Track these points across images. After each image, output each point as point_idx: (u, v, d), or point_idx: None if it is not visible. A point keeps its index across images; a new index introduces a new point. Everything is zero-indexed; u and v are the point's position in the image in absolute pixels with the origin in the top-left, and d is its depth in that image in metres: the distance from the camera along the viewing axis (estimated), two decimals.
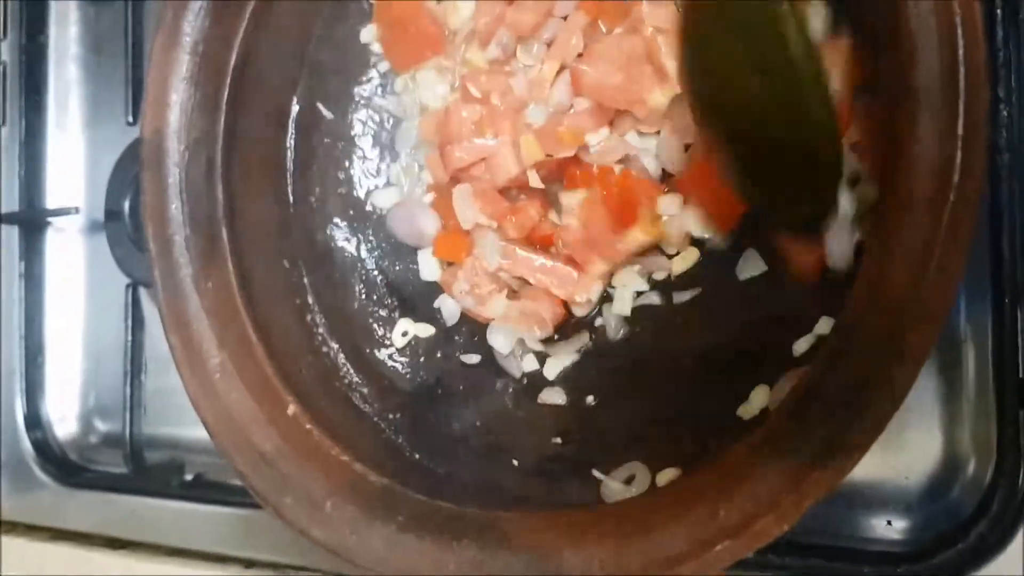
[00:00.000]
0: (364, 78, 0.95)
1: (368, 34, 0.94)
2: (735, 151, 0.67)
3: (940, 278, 0.56)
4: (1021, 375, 0.74)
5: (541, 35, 0.86)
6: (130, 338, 1.13)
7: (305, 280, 0.90)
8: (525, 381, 0.88)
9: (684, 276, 0.84)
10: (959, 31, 0.56)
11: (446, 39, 0.91)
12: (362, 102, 0.95)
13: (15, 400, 1.21)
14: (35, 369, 1.22)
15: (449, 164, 0.87)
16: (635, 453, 0.76)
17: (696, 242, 0.83)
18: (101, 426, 1.23)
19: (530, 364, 0.87)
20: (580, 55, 0.85)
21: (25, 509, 1.19)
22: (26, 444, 1.20)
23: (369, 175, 0.95)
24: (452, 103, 0.88)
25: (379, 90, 0.95)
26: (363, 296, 0.93)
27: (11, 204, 1.22)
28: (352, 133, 0.95)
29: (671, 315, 0.83)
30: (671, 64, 0.79)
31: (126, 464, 1.12)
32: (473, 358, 0.90)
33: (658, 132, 0.83)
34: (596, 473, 0.76)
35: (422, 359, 0.91)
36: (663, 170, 0.84)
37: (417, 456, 0.82)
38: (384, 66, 0.95)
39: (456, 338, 0.91)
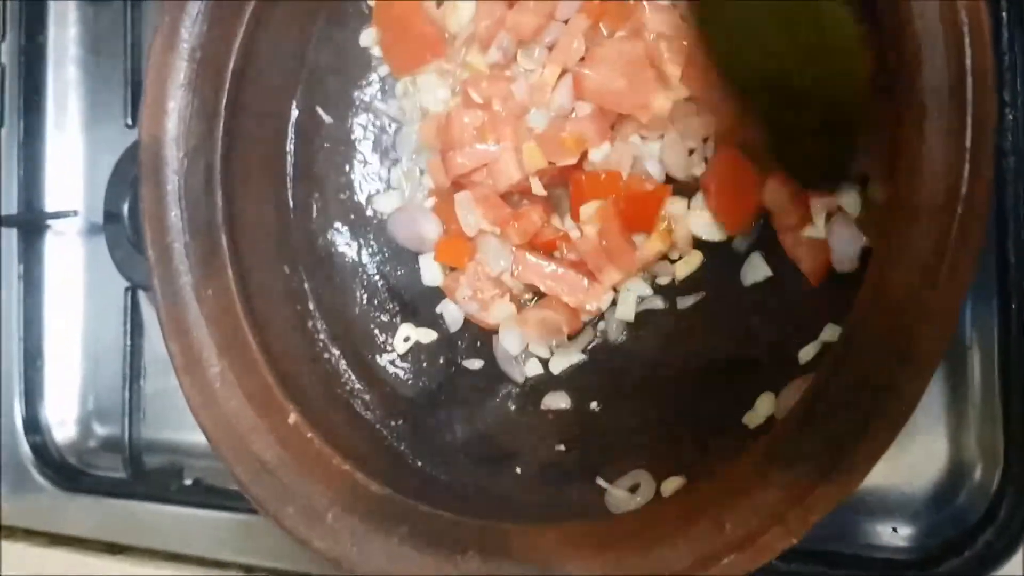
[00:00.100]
0: (364, 82, 0.95)
1: (368, 37, 0.93)
2: (757, 102, 0.70)
3: (948, 288, 0.55)
4: None
5: (542, 39, 0.85)
6: (129, 342, 1.13)
7: (306, 286, 0.90)
8: (528, 386, 0.87)
9: (688, 280, 0.83)
10: (966, 39, 0.55)
11: (446, 42, 0.91)
12: (362, 106, 0.95)
13: (14, 403, 1.21)
14: (34, 372, 1.22)
15: (451, 170, 0.86)
16: (640, 461, 0.76)
17: (700, 245, 0.82)
18: (100, 430, 1.23)
19: (533, 369, 0.87)
20: (582, 59, 0.84)
21: (24, 513, 1.19)
22: (25, 448, 1.20)
23: (370, 180, 0.95)
24: (453, 108, 0.88)
25: (379, 94, 0.95)
26: (364, 301, 0.92)
27: (10, 207, 1.21)
28: (352, 137, 0.94)
29: (675, 320, 0.83)
30: (673, 69, 0.79)
31: (125, 468, 1.12)
32: (476, 363, 0.89)
33: (661, 136, 0.82)
34: (600, 482, 0.75)
35: (424, 364, 0.91)
36: (667, 175, 0.83)
37: (419, 464, 0.82)
38: (384, 70, 0.94)
39: (458, 343, 0.91)
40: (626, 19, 0.82)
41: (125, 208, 1.12)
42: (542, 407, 0.85)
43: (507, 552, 0.68)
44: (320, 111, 0.93)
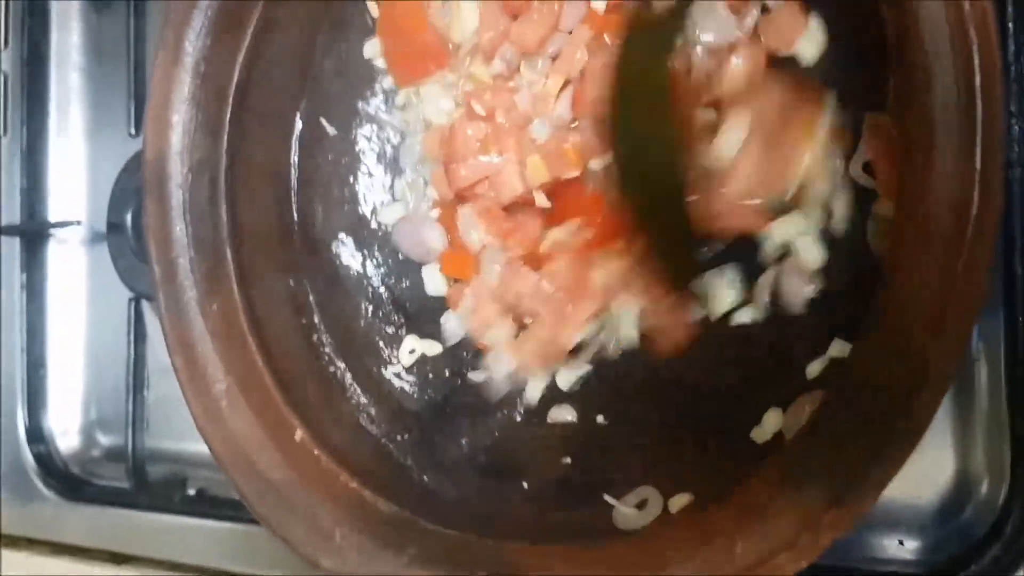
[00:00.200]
0: (368, 93, 0.94)
1: (371, 49, 0.93)
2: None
3: (959, 308, 0.55)
4: None
5: (546, 50, 0.85)
6: (132, 352, 1.12)
7: (310, 298, 0.90)
8: (535, 400, 0.87)
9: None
10: (976, 60, 0.55)
11: (450, 53, 0.90)
12: (366, 118, 0.94)
13: (17, 413, 1.20)
14: (37, 382, 1.21)
15: (454, 182, 0.86)
16: (647, 476, 0.75)
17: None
18: (103, 439, 1.23)
19: (536, 388, 0.87)
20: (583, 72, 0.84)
21: (27, 522, 1.18)
22: (28, 457, 1.20)
23: (374, 191, 0.94)
24: (456, 120, 0.88)
25: (383, 105, 0.94)
26: (369, 313, 0.92)
27: (12, 216, 1.21)
28: (357, 149, 0.94)
29: None
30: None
31: (128, 478, 1.11)
32: (480, 375, 0.88)
33: None
34: (608, 498, 0.75)
35: (429, 376, 0.90)
36: None
37: (425, 479, 0.82)
38: (388, 81, 0.94)
39: (464, 355, 0.90)
40: None
41: (128, 218, 1.11)
42: (548, 420, 0.85)
43: (515, 571, 0.68)
44: (324, 123, 0.93)
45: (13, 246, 1.21)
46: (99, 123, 1.23)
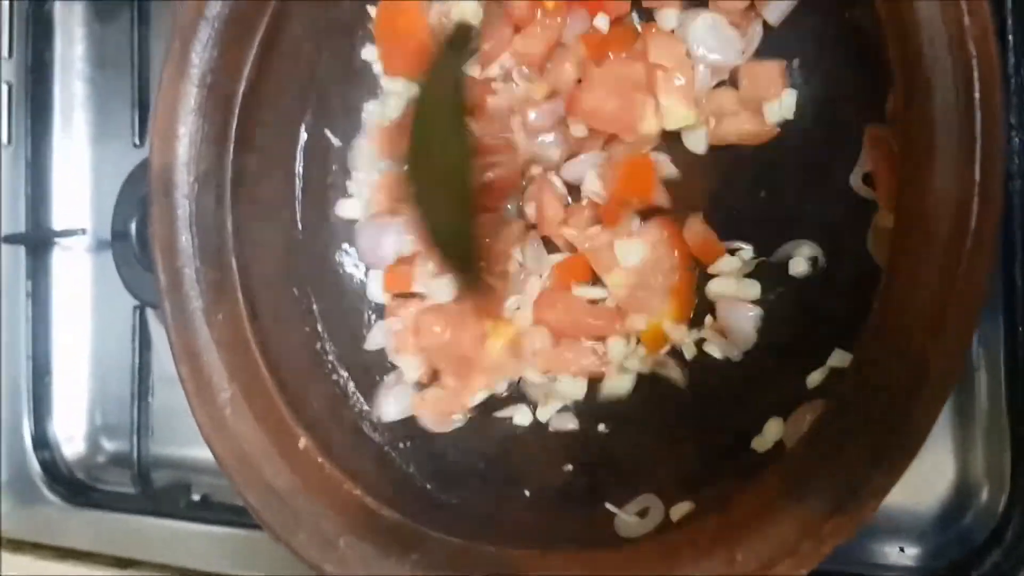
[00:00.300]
0: (371, 105, 0.94)
1: (370, 53, 0.93)
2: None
3: (959, 318, 0.56)
4: None
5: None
6: (137, 360, 1.13)
7: (314, 307, 0.90)
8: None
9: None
10: (975, 71, 0.56)
11: None
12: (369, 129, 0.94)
13: (23, 419, 1.21)
14: (42, 389, 1.22)
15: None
16: (648, 485, 0.76)
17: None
18: (108, 445, 1.23)
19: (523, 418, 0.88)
20: (579, 80, 0.84)
21: (32, 527, 1.19)
22: (33, 463, 1.20)
23: None
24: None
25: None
26: (372, 322, 0.93)
27: (17, 224, 1.21)
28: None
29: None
30: (667, 100, 0.80)
31: (133, 484, 1.11)
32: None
33: None
34: (609, 506, 0.75)
35: None
36: None
37: (428, 487, 0.82)
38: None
39: None
40: (630, 45, 0.82)
41: (133, 227, 1.11)
42: (550, 429, 0.85)
43: None
44: (328, 134, 0.93)
45: (18, 254, 1.22)
46: (103, 132, 1.24)
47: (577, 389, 0.84)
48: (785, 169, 0.78)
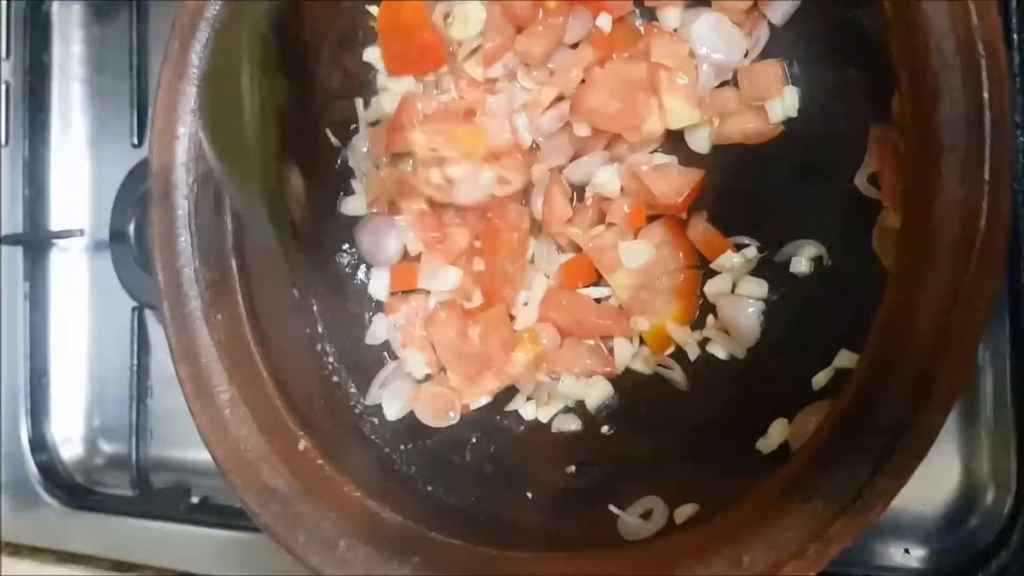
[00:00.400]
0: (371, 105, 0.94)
1: (372, 54, 0.93)
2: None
3: (967, 322, 0.55)
4: None
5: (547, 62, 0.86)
6: (136, 361, 1.12)
7: (314, 308, 0.90)
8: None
9: None
10: (984, 71, 0.55)
11: (448, 53, 0.90)
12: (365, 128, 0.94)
13: (20, 422, 1.20)
14: (40, 391, 1.21)
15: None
16: (652, 486, 0.75)
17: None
18: (106, 447, 1.22)
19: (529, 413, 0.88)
20: (583, 81, 0.84)
21: (31, 531, 1.18)
22: (31, 466, 1.20)
23: None
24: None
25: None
26: (372, 323, 0.92)
27: (15, 225, 1.21)
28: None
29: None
30: (671, 100, 0.80)
31: (132, 487, 1.11)
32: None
33: None
34: (613, 508, 0.75)
35: None
36: None
37: (429, 489, 0.82)
38: None
39: None
40: (633, 44, 0.82)
41: (131, 228, 1.11)
42: (552, 430, 0.85)
43: None
44: (328, 133, 0.93)
45: (16, 255, 1.21)
46: (101, 133, 1.23)
47: (579, 390, 0.85)
48: (789, 169, 0.78)
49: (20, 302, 1.21)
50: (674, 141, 0.83)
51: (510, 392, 0.88)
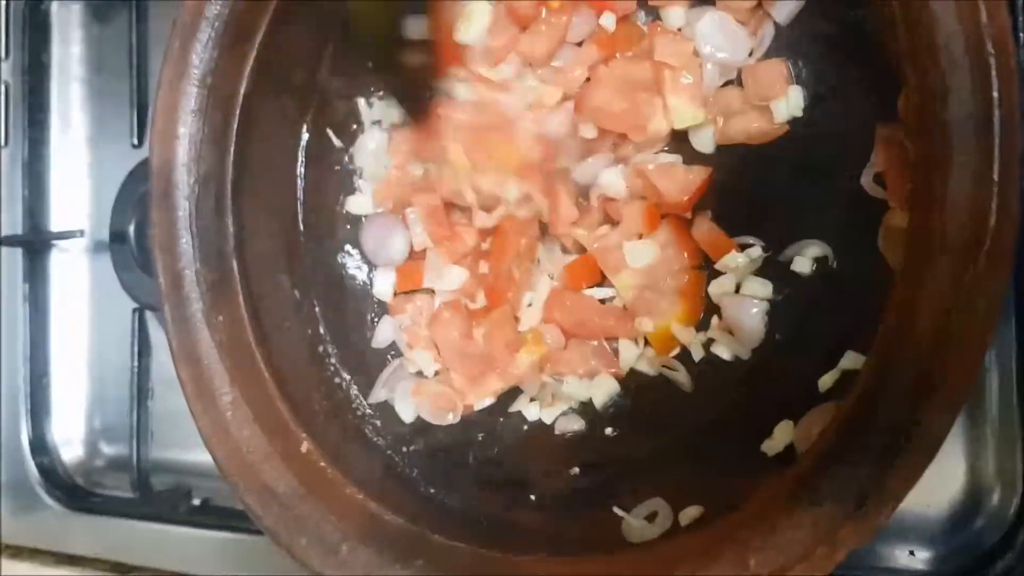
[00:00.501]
0: (374, 104, 0.94)
1: None
2: None
3: (975, 323, 0.55)
4: None
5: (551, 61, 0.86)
6: (136, 363, 1.12)
7: (316, 310, 0.89)
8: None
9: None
10: (993, 70, 0.55)
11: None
12: (370, 129, 0.94)
13: (20, 424, 1.20)
14: (40, 392, 1.21)
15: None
16: (656, 488, 0.75)
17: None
18: (107, 449, 1.22)
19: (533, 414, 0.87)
20: (588, 79, 0.84)
21: (31, 533, 1.18)
22: (32, 468, 1.19)
23: None
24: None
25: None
26: (374, 325, 0.92)
27: (15, 226, 1.20)
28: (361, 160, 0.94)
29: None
30: (675, 100, 0.80)
31: (133, 489, 1.11)
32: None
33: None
34: (616, 510, 0.75)
35: None
36: None
37: (432, 491, 0.81)
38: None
39: None
40: (636, 43, 0.82)
41: (131, 228, 1.11)
42: (555, 431, 0.85)
43: None
44: (330, 134, 0.92)
45: (15, 256, 1.20)
46: (101, 133, 1.23)
47: (583, 390, 0.84)
48: (792, 168, 0.78)
49: (20, 303, 1.20)
50: (678, 141, 0.83)
51: (513, 393, 0.87)
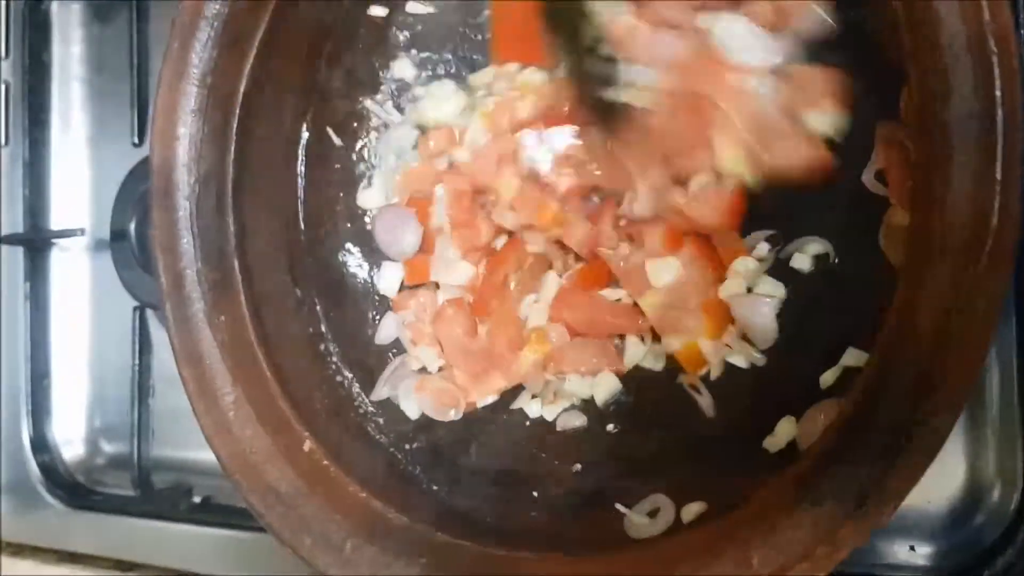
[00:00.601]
0: (374, 103, 0.94)
1: (402, 68, 0.93)
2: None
3: (977, 321, 0.55)
4: None
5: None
6: (137, 361, 1.12)
7: (318, 308, 0.89)
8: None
9: None
10: (996, 68, 0.55)
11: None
12: (371, 127, 0.94)
13: (21, 422, 1.20)
14: (41, 391, 1.21)
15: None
16: (658, 484, 0.75)
17: None
18: (108, 448, 1.22)
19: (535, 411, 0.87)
20: None
21: (32, 531, 1.18)
22: (33, 466, 1.19)
23: None
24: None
25: (389, 115, 0.94)
26: (376, 323, 0.92)
27: (15, 225, 1.20)
28: (362, 158, 0.94)
29: None
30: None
31: (134, 487, 1.11)
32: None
33: None
34: (619, 507, 0.75)
35: None
36: None
37: (435, 488, 0.82)
38: (394, 90, 0.94)
39: None
40: None
41: (132, 227, 1.11)
42: (557, 428, 0.85)
43: None
44: (331, 132, 0.92)
45: (16, 255, 1.20)
46: (102, 132, 1.23)
47: (585, 388, 0.84)
48: None
49: (20, 302, 1.20)
50: None
51: (515, 390, 0.87)
